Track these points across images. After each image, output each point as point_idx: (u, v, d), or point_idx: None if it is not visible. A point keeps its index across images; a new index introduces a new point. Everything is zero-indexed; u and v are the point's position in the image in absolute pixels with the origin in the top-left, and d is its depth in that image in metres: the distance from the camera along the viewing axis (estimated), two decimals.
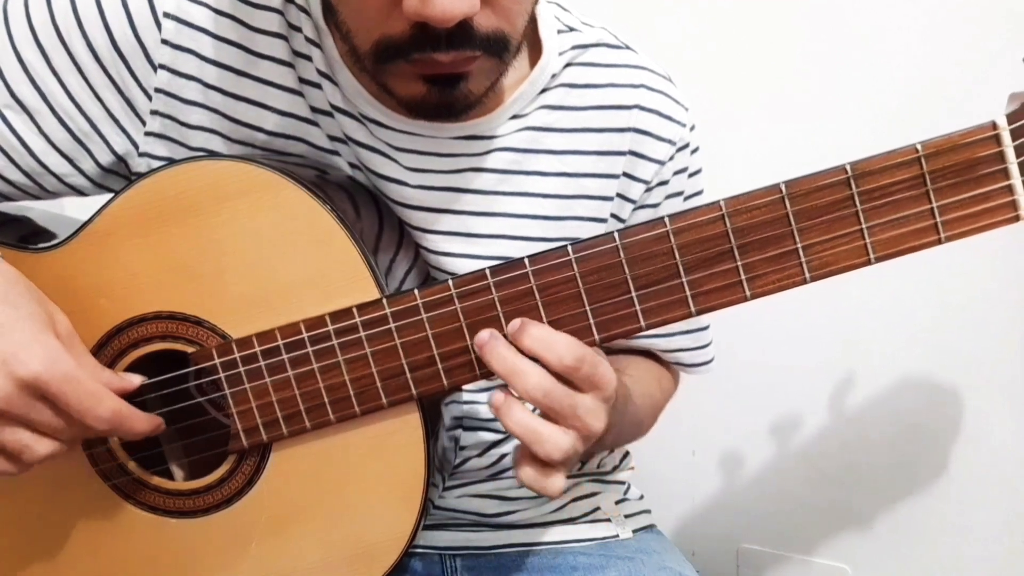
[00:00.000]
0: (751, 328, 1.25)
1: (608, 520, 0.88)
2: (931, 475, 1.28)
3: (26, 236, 0.71)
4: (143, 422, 0.63)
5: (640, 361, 0.86)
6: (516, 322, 0.60)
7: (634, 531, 0.89)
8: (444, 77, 0.60)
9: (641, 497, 0.94)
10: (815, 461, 1.35)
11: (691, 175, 0.80)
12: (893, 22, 1.17)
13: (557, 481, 0.60)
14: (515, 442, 0.80)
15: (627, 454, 0.95)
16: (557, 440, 0.58)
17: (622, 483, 0.93)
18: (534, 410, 0.59)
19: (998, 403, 1.21)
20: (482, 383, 0.73)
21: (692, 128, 0.79)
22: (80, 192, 0.73)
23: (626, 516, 0.90)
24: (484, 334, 0.60)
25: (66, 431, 0.59)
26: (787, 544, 1.41)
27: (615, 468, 0.93)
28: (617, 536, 0.87)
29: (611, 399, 0.61)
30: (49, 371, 0.57)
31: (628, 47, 0.78)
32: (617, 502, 0.90)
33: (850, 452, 1.32)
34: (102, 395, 0.60)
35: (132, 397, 0.64)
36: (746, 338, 1.27)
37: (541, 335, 0.59)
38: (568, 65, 0.74)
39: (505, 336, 0.60)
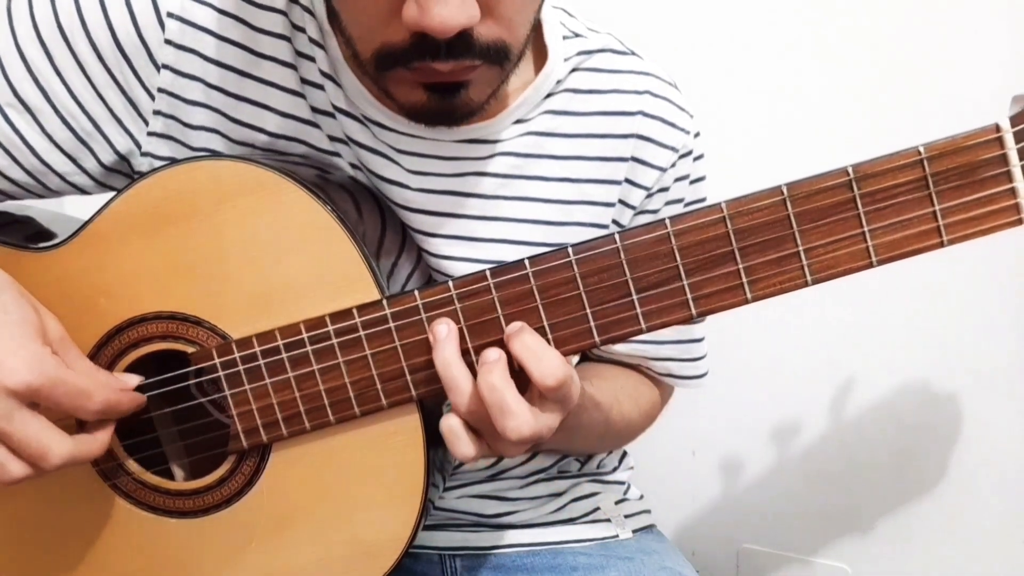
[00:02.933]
0: (752, 328, 1.25)
1: (608, 520, 0.88)
2: (931, 476, 1.28)
3: (30, 237, 0.70)
4: (127, 401, 0.63)
5: (621, 375, 0.85)
6: (515, 324, 0.60)
7: (634, 531, 0.89)
8: (444, 85, 0.60)
9: (641, 497, 0.94)
10: (815, 461, 1.35)
11: (693, 182, 0.80)
12: (895, 24, 1.17)
13: (467, 447, 0.60)
14: None
15: (626, 454, 0.95)
16: (467, 400, 0.59)
17: (622, 483, 0.92)
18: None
19: (998, 405, 1.21)
20: None
21: (696, 135, 0.79)
22: (82, 191, 0.73)
23: (626, 516, 0.90)
24: (442, 328, 0.61)
25: (42, 456, 0.58)
26: (787, 544, 1.41)
27: (615, 468, 0.92)
28: (617, 536, 0.87)
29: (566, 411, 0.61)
30: (37, 378, 0.57)
31: (634, 53, 0.78)
32: (617, 502, 0.90)
33: (850, 452, 1.32)
34: (91, 391, 0.60)
35: None
36: (746, 338, 1.28)
37: (532, 345, 0.59)
38: (573, 71, 0.74)
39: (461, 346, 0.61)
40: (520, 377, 0.59)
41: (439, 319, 0.61)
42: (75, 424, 0.63)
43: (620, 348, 0.82)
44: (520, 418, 0.57)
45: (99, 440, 0.62)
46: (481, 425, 0.59)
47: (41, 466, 0.58)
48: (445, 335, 0.60)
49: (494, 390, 0.57)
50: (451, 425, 0.60)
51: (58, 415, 0.59)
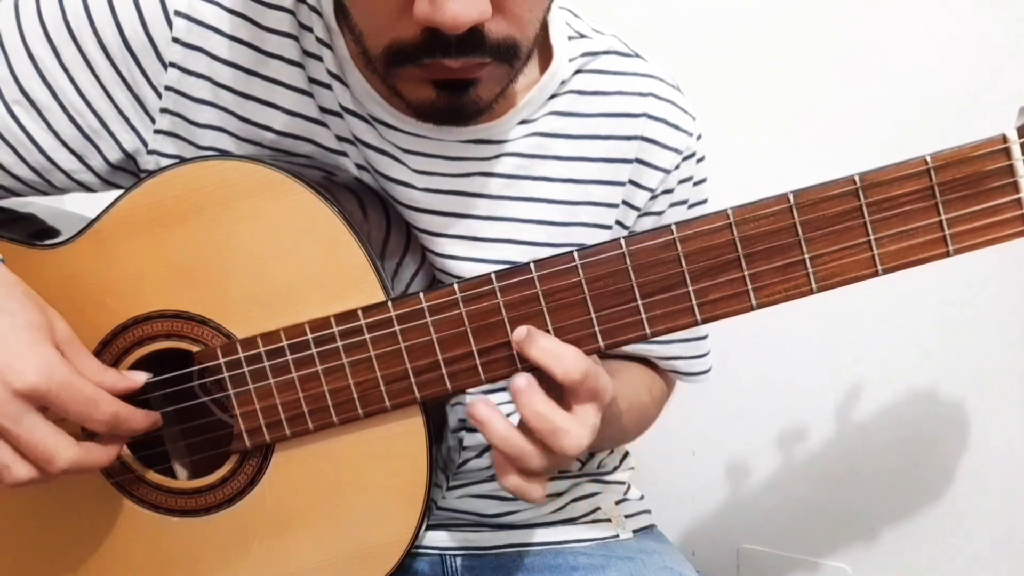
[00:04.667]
0: (753, 330, 1.25)
1: (608, 520, 0.88)
2: (931, 477, 1.28)
3: (34, 234, 0.71)
4: (141, 420, 0.63)
5: (633, 367, 0.85)
6: (522, 330, 0.60)
7: (634, 531, 0.89)
8: (454, 82, 0.60)
9: (641, 497, 0.94)
10: (816, 461, 1.36)
11: (696, 184, 0.80)
12: (904, 34, 1.17)
13: (539, 489, 0.60)
14: None
15: (627, 454, 0.95)
16: (537, 460, 0.59)
17: (622, 483, 0.93)
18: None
19: (998, 405, 1.21)
20: (486, 386, 0.73)
21: (699, 137, 0.79)
22: (88, 188, 0.73)
23: (626, 516, 0.90)
24: (522, 331, 0.60)
25: (48, 461, 0.58)
26: (787, 544, 1.42)
27: (615, 468, 0.93)
28: (617, 536, 0.88)
29: (604, 407, 0.61)
30: (46, 382, 0.57)
31: (638, 55, 0.78)
32: (617, 502, 0.90)
33: (851, 452, 1.32)
34: (99, 399, 0.60)
35: (136, 395, 0.64)
36: (748, 340, 1.27)
37: (549, 346, 0.59)
38: (578, 72, 0.74)
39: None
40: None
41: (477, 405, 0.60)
42: (83, 432, 0.63)
43: (627, 347, 0.83)
44: (573, 432, 0.57)
45: (108, 450, 0.62)
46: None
47: (47, 470, 0.59)
48: (525, 385, 0.59)
49: (543, 418, 0.57)
50: (516, 484, 0.60)
51: (69, 424, 0.60)
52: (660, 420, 0.89)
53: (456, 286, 0.61)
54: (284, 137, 0.71)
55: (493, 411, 0.59)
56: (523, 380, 0.59)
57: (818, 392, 1.33)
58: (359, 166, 0.72)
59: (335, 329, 0.63)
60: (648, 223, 0.78)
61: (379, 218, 0.72)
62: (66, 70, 0.67)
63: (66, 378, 0.58)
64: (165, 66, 0.68)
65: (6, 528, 0.69)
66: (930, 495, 1.28)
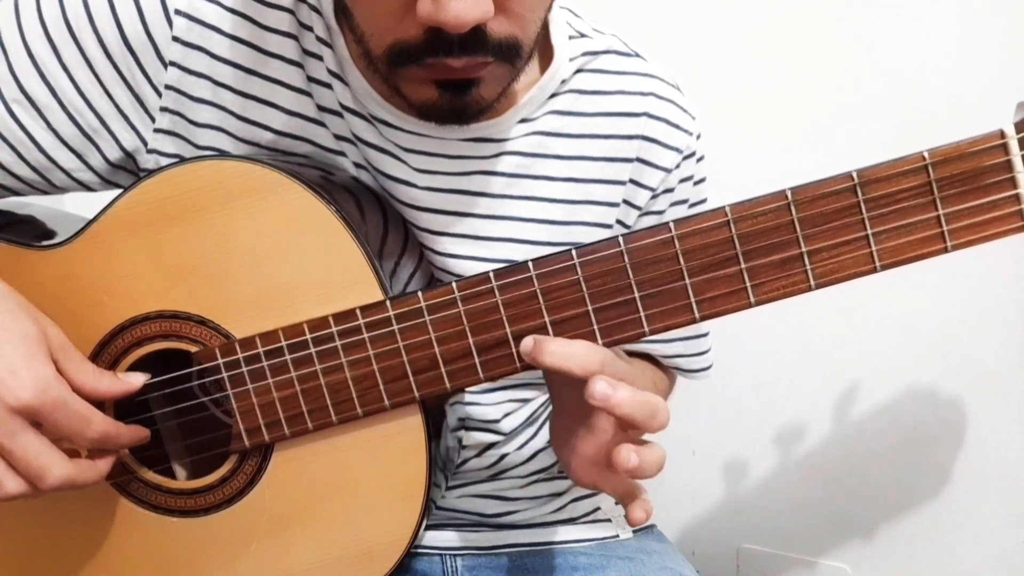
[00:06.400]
0: (753, 329, 1.25)
1: (608, 520, 0.88)
2: (931, 476, 1.28)
3: (33, 236, 0.70)
4: (127, 435, 0.63)
5: (637, 363, 0.85)
6: (528, 341, 0.60)
7: (634, 531, 0.89)
8: (456, 82, 0.60)
9: None
10: (815, 461, 1.36)
11: (696, 183, 0.80)
12: (902, 30, 1.17)
13: (644, 509, 0.61)
14: (515, 443, 0.80)
15: None
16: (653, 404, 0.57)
17: None
18: None
19: (998, 405, 1.21)
20: (485, 384, 0.73)
21: (699, 137, 0.79)
22: (88, 188, 0.73)
23: (626, 516, 0.90)
24: (528, 342, 0.59)
25: (40, 477, 0.59)
26: (787, 544, 1.42)
27: None
28: (617, 536, 0.88)
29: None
30: (39, 399, 0.57)
31: (638, 55, 0.78)
32: (617, 502, 0.90)
33: (851, 452, 1.32)
34: (92, 418, 0.60)
35: (135, 396, 0.64)
36: (747, 339, 1.28)
37: (559, 350, 0.58)
38: (578, 71, 0.74)
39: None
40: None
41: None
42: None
43: (629, 346, 0.83)
44: (660, 403, 0.57)
45: (99, 467, 0.62)
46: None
47: (38, 486, 0.59)
48: (532, 346, 0.59)
49: (639, 403, 0.56)
50: (648, 510, 0.60)
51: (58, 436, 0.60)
52: None
53: (454, 285, 0.61)
54: (282, 137, 0.71)
55: (611, 383, 0.56)
56: (602, 382, 0.56)
57: (818, 392, 1.33)
58: (357, 165, 0.72)
59: (333, 329, 0.63)
60: (649, 222, 0.78)
61: (376, 218, 0.72)
62: (66, 69, 0.67)
63: (59, 396, 0.59)
64: (165, 65, 0.68)
65: (5, 529, 0.69)
66: (930, 495, 1.28)
